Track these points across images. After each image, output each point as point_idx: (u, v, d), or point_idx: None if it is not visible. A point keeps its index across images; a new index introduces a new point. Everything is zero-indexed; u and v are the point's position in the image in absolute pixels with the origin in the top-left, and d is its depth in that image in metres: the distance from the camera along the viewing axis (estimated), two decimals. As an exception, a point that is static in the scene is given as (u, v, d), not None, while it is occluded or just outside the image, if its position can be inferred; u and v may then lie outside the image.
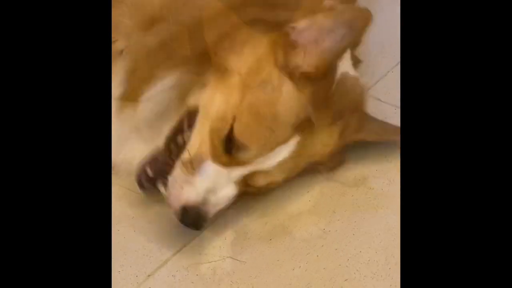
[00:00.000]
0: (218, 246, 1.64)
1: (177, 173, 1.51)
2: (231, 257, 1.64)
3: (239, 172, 1.51)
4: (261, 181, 1.55)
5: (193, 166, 1.47)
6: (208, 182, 1.48)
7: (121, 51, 1.69)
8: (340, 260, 1.64)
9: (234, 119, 1.47)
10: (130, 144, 1.77)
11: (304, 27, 1.50)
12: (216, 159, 1.49)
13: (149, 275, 1.61)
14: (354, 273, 1.61)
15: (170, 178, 1.52)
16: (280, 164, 1.55)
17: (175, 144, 1.57)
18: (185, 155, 1.50)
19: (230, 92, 1.51)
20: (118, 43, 1.69)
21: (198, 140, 1.50)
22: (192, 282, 1.59)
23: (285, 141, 1.52)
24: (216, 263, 1.61)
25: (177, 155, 1.55)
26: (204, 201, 1.49)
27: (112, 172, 1.80)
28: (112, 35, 1.64)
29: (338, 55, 1.54)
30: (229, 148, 1.48)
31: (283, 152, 1.52)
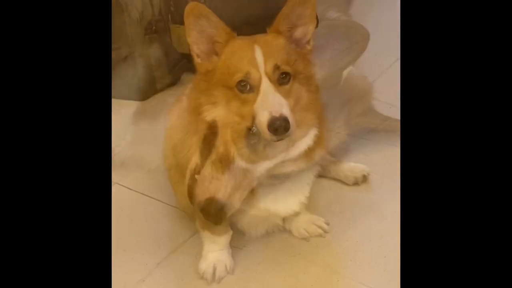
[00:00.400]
0: (223, 237, 1.68)
1: (207, 170, 1.55)
2: (235, 246, 1.70)
3: (265, 166, 1.55)
4: (284, 169, 1.58)
5: (223, 165, 1.51)
6: (236, 180, 1.53)
7: (125, 57, 1.75)
8: (339, 251, 1.69)
9: (254, 118, 1.49)
10: (142, 146, 1.83)
11: (300, 33, 1.54)
12: (243, 158, 1.53)
13: (158, 263, 1.68)
14: (354, 264, 1.66)
15: (201, 173, 1.55)
16: (300, 154, 1.58)
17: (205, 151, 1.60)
18: (215, 155, 1.53)
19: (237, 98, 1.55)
20: (122, 50, 1.75)
21: (223, 144, 1.53)
22: (198, 273, 1.65)
23: (305, 134, 1.57)
24: (221, 252, 1.67)
25: (207, 157, 1.58)
26: (230, 197, 1.53)
27: (121, 167, 1.87)
28: (116, 43, 1.69)
29: (343, 68, 1.60)
30: (253, 145, 1.51)
31: (303, 144, 1.57)
